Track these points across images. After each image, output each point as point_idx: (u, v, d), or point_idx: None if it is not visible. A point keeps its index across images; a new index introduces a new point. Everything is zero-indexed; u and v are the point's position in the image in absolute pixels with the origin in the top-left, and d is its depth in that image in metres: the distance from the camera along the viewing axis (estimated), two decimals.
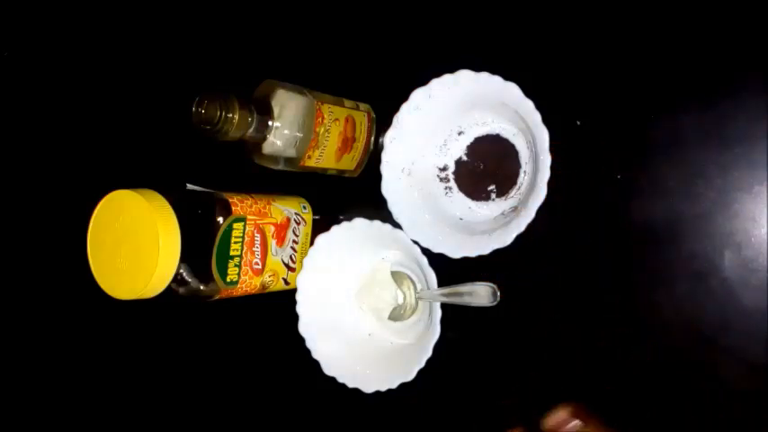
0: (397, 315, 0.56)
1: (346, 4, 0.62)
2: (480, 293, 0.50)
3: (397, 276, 0.56)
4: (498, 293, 0.49)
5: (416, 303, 0.56)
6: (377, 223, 0.53)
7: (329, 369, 0.54)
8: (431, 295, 0.52)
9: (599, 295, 0.53)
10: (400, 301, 0.56)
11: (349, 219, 0.54)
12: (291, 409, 0.65)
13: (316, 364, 0.54)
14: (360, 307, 0.58)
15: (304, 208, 0.57)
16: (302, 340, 0.55)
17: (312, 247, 0.55)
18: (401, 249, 0.55)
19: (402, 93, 0.53)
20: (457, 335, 0.53)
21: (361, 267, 0.58)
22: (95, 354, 0.74)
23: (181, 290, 0.49)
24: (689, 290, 0.50)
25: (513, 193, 0.54)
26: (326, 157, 0.54)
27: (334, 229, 0.54)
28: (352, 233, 0.54)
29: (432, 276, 0.51)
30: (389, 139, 0.54)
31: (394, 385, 0.51)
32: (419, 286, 0.56)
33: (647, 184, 0.51)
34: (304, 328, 0.55)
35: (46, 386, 0.77)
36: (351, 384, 0.53)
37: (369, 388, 0.52)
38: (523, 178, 0.54)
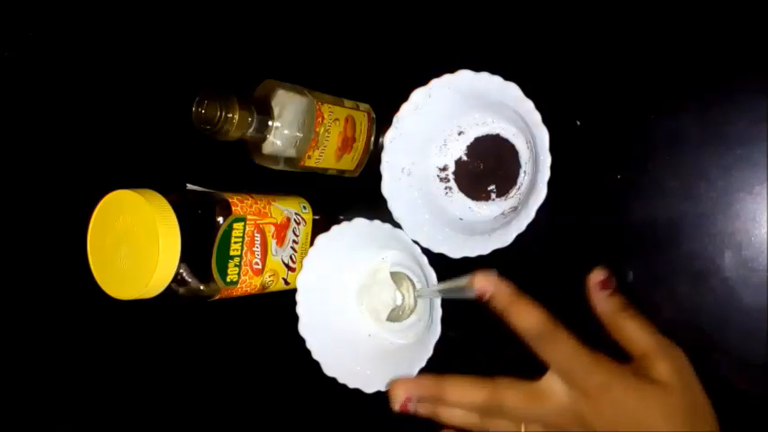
0: (395, 316, 0.56)
1: (346, 5, 0.62)
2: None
3: (395, 277, 0.56)
4: None
5: (415, 304, 0.56)
6: (377, 223, 0.53)
7: (330, 370, 0.54)
8: (430, 292, 0.51)
9: None
10: (399, 302, 0.56)
11: (349, 219, 0.54)
12: (292, 409, 0.65)
13: (316, 364, 0.54)
14: (358, 308, 0.57)
15: (304, 208, 0.57)
16: (303, 341, 0.55)
17: (312, 248, 0.55)
18: (401, 249, 0.55)
19: (402, 93, 0.53)
20: (458, 334, 0.53)
21: (361, 267, 0.58)
22: (95, 354, 0.74)
23: (181, 290, 0.49)
24: (689, 290, 0.50)
25: (513, 193, 0.54)
26: (326, 157, 0.54)
27: (334, 229, 0.54)
28: (352, 233, 0.54)
29: (432, 275, 0.51)
30: (389, 139, 0.54)
31: None
32: (418, 286, 0.56)
33: (647, 184, 0.51)
34: (304, 328, 0.55)
35: (46, 386, 0.77)
36: (351, 385, 0.53)
37: (370, 388, 0.52)
38: (523, 178, 0.54)
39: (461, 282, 0.50)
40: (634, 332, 0.43)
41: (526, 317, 0.40)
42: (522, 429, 0.43)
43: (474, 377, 0.43)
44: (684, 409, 0.41)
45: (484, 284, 0.40)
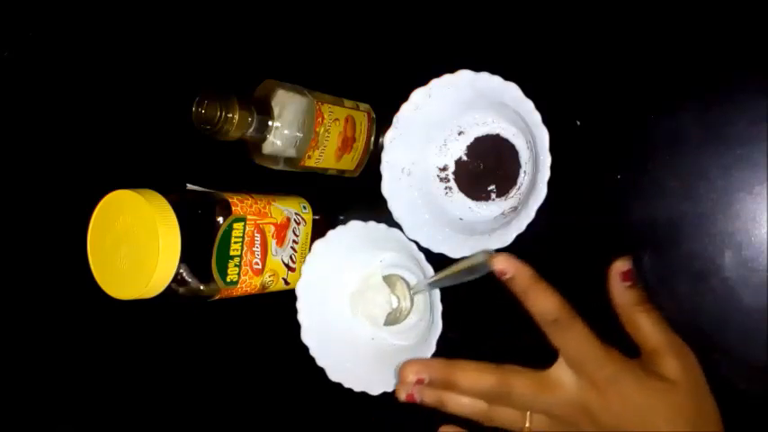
0: (392, 320, 0.56)
1: (346, 5, 0.62)
2: (477, 267, 0.47)
3: (389, 280, 0.56)
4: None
5: (411, 305, 0.56)
6: (371, 224, 0.53)
7: (335, 374, 0.53)
8: (425, 285, 0.51)
9: (599, 295, 0.53)
10: (394, 305, 0.56)
11: (348, 220, 0.54)
12: (292, 409, 0.65)
13: (317, 364, 0.54)
14: (353, 314, 0.57)
15: (304, 208, 0.57)
16: (305, 347, 0.54)
17: (309, 254, 0.55)
18: (397, 249, 0.55)
19: (402, 93, 0.53)
20: (458, 335, 0.53)
21: (360, 270, 0.57)
22: (95, 354, 0.74)
23: (181, 290, 0.49)
24: (689, 290, 0.50)
25: (513, 193, 0.54)
26: (326, 157, 0.54)
27: (330, 233, 0.54)
28: (349, 236, 0.54)
29: (430, 271, 0.51)
30: (389, 139, 0.54)
31: None
32: (413, 283, 0.55)
33: (647, 184, 0.51)
34: (307, 336, 0.54)
35: (46, 386, 0.77)
36: (357, 388, 0.53)
37: (375, 390, 0.52)
38: (523, 178, 0.54)
39: (457, 267, 0.49)
40: (647, 327, 0.43)
41: (544, 301, 0.40)
42: (527, 419, 0.43)
43: (484, 362, 0.43)
44: (690, 409, 0.41)
45: (506, 265, 0.40)
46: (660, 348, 0.42)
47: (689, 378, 0.42)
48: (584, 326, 0.41)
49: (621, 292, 0.43)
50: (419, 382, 0.42)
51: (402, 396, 0.43)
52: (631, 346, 0.44)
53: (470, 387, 0.42)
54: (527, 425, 0.43)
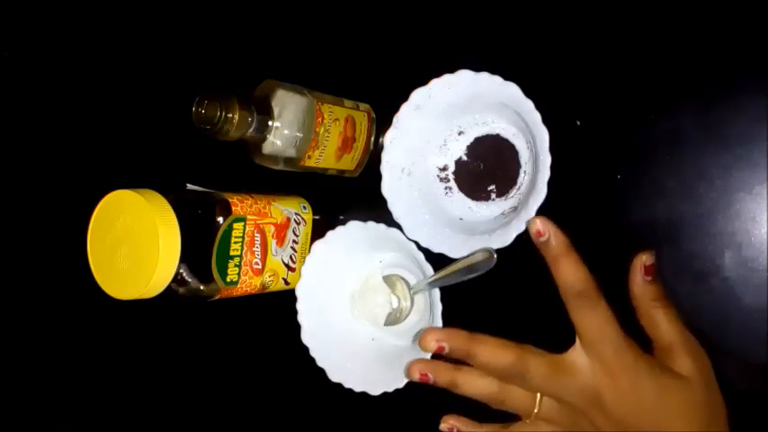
0: (393, 320, 0.56)
1: (346, 5, 0.62)
2: (476, 266, 0.48)
3: (389, 281, 0.56)
4: (495, 255, 0.47)
5: (411, 305, 0.56)
6: (371, 224, 0.53)
7: (335, 375, 0.53)
8: (425, 284, 0.51)
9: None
10: (395, 305, 0.56)
11: (348, 220, 0.54)
12: (292, 409, 0.65)
13: (317, 365, 0.54)
14: (353, 315, 0.57)
15: (304, 208, 0.57)
16: (306, 348, 0.54)
17: (309, 255, 0.55)
18: (397, 249, 0.55)
19: (402, 93, 0.53)
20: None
21: (360, 271, 0.57)
22: (95, 354, 0.74)
23: (181, 290, 0.49)
24: (689, 290, 0.50)
25: (513, 193, 0.54)
26: (326, 157, 0.54)
27: (330, 234, 0.54)
28: (348, 236, 0.54)
29: (429, 271, 0.51)
30: (389, 139, 0.54)
31: (401, 384, 0.51)
32: (413, 283, 0.56)
33: (647, 184, 0.51)
34: (307, 336, 0.54)
35: (46, 386, 0.77)
36: (358, 389, 0.53)
37: (376, 390, 0.52)
38: (523, 178, 0.54)
39: (456, 265, 0.49)
40: (663, 323, 0.43)
41: (574, 273, 0.40)
42: (537, 404, 0.43)
43: (503, 339, 0.42)
44: (702, 407, 0.41)
45: (543, 227, 0.39)
46: (675, 345, 0.42)
47: (702, 377, 0.42)
48: (609, 309, 0.41)
49: (642, 285, 0.43)
50: (440, 350, 0.42)
51: (415, 376, 0.43)
52: (639, 341, 0.43)
53: (488, 361, 0.42)
54: (536, 410, 0.43)
